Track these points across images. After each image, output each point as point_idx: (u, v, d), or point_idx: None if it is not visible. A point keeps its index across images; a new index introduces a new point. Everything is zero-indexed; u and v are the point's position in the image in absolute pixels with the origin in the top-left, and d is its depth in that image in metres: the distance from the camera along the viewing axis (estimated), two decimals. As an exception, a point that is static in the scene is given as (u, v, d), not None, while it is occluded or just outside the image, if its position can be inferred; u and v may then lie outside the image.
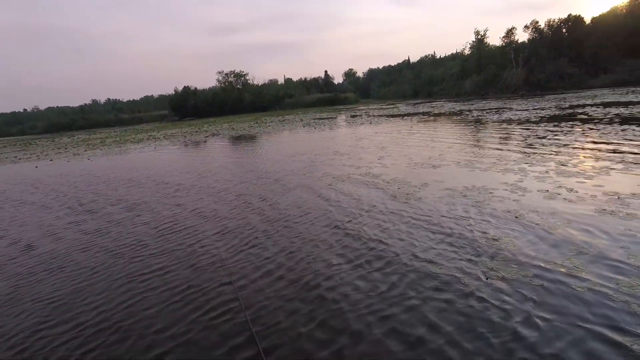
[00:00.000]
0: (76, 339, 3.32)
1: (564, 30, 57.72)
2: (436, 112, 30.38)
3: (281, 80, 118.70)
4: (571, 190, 6.05)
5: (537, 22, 59.68)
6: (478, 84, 62.54)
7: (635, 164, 7.36)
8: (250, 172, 10.87)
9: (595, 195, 5.67)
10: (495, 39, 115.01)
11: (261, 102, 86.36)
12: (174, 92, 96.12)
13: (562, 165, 7.85)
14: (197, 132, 33.17)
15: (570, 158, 8.47)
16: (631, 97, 25.36)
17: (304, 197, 7.34)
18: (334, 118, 34.93)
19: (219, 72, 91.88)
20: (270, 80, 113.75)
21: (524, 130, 13.94)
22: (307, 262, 4.37)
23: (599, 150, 9.08)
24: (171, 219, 6.69)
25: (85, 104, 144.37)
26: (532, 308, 3.08)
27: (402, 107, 45.14)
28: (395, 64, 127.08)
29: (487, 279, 3.57)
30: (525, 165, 8.07)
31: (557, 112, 20.15)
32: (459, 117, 23.21)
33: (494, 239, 4.46)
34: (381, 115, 32.28)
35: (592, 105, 22.08)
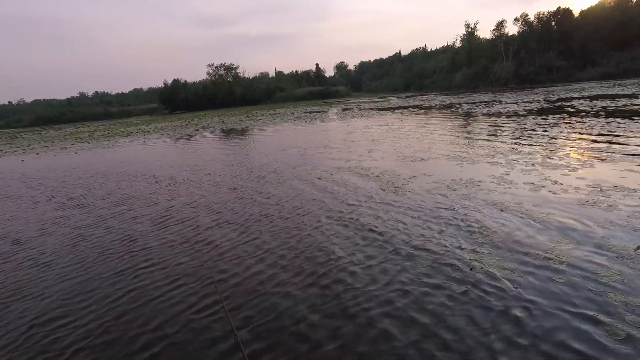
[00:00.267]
0: (65, 336, 3.32)
1: (553, 23, 58.22)
2: (427, 105, 30.53)
3: (272, 73, 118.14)
4: (556, 182, 6.18)
5: (526, 14, 60.16)
6: (468, 77, 62.90)
7: (618, 156, 7.52)
8: (241, 165, 10.85)
9: (579, 187, 5.80)
10: (485, 32, 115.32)
11: (252, 95, 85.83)
12: (163, 85, 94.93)
13: (548, 158, 7.99)
14: (187, 125, 32.88)
15: (556, 151, 8.62)
16: (617, 90, 25.76)
17: (295, 190, 7.37)
18: (325, 112, 34.88)
19: (209, 65, 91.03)
20: (261, 73, 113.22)
21: (513, 124, 14.11)
22: (302, 254, 4.42)
23: (585, 142, 9.25)
24: (162, 214, 6.67)
25: (73, 97, 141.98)
26: (516, 293, 3.18)
27: (394, 101, 45.25)
28: (387, 56, 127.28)
29: (471, 269, 3.66)
30: (512, 159, 8.20)
31: (545, 105, 20.41)
32: (449, 110, 23.36)
33: (479, 231, 4.55)
34: (372, 109, 32.32)
35: (579, 98, 22.39)
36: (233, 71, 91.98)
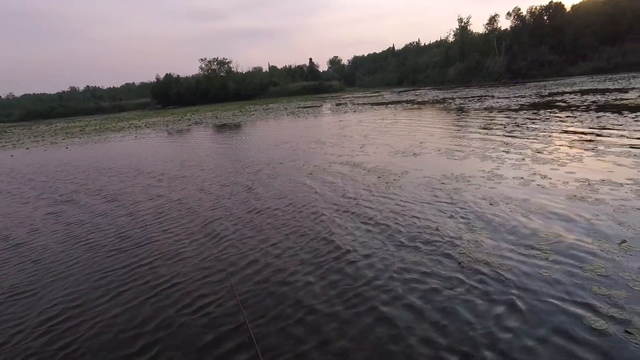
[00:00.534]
0: (51, 332, 3.31)
1: (545, 17, 58.47)
2: (420, 100, 30.61)
3: (265, 68, 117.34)
4: (545, 177, 6.26)
5: (519, 9, 60.29)
6: (461, 71, 63.06)
7: (606, 150, 7.62)
8: (234, 161, 10.83)
9: (567, 182, 5.87)
10: (479, 27, 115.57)
11: (245, 90, 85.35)
12: (155, 80, 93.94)
13: (538, 152, 8.07)
14: (180, 120, 32.65)
15: (546, 145, 8.71)
16: (608, 85, 26.01)
17: (287, 186, 7.37)
18: (319, 107, 34.81)
19: (202, 60, 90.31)
20: (255, 68, 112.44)
21: (504, 118, 14.22)
22: (290, 250, 4.44)
23: (574, 137, 9.36)
24: (154, 210, 6.65)
25: (64, 91, 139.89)
26: (504, 287, 3.24)
27: (387, 95, 45.28)
28: (381, 51, 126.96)
29: (459, 264, 3.71)
30: (503, 153, 8.27)
31: (536, 100, 20.56)
32: (442, 105, 23.45)
33: (468, 225, 4.61)
34: (366, 104, 32.31)
35: (570, 93, 22.59)
36: (226, 66, 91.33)
